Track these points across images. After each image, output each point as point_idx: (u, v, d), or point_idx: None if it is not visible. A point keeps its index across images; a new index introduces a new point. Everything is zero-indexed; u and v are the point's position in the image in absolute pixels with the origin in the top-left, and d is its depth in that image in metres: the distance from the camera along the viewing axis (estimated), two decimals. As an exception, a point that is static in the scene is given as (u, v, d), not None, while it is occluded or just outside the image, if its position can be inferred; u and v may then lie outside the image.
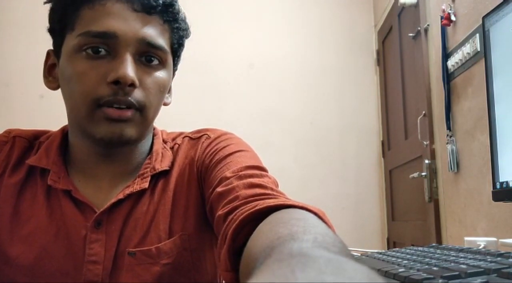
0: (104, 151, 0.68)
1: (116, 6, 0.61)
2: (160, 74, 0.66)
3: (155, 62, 0.65)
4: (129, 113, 0.62)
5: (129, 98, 0.61)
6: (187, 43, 0.74)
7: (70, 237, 0.65)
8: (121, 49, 0.61)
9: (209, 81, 2.84)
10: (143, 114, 0.64)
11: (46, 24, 0.68)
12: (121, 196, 0.66)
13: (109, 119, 0.61)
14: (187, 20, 0.72)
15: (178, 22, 0.68)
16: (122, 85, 0.60)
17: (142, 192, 0.69)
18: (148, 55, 0.64)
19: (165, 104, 0.74)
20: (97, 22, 0.61)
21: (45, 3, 0.66)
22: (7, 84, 2.70)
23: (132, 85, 0.61)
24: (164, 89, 0.67)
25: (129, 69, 0.60)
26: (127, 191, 0.67)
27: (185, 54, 0.74)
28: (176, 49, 0.70)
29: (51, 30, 0.67)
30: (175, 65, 0.72)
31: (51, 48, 0.69)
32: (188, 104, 2.76)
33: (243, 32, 2.94)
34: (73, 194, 0.66)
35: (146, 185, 0.68)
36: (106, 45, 0.61)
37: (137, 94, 0.62)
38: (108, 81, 0.60)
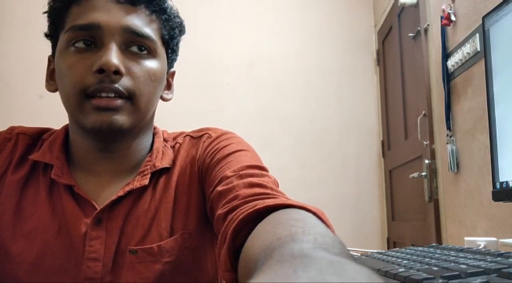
0: (101, 146, 0.68)
1: (101, 0, 0.63)
2: (150, 63, 0.66)
3: (144, 51, 0.66)
4: (118, 102, 0.62)
5: (116, 86, 0.62)
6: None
7: (71, 233, 0.66)
8: (106, 39, 0.62)
9: (209, 81, 2.85)
10: (134, 102, 0.64)
11: (46, 24, 0.69)
12: (121, 193, 0.67)
13: (98, 108, 0.62)
14: (180, 15, 0.73)
15: (166, 13, 0.69)
16: (107, 73, 0.61)
17: (143, 190, 0.69)
18: (136, 45, 0.65)
19: (165, 100, 0.75)
20: (83, 16, 0.63)
21: (44, 13, 0.68)
22: (7, 84, 2.70)
23: (118, 72, 0.61)
24: (155, 78, 0.67)
25: (113, 56, 0.61)
26: (127, 188, 0.67)
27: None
28: (168, 41, 0.70)
29: (47, 35, 0.70)
30: (170, 59, 0.73)
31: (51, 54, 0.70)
32: (188, 104, 2.76)
33: (243, 32, 2.94)
34: (76, 190, 0.67)
35: (146, 182, 0.68)
36: (92, 38, 0.63)
37: (124, 82, 0.63)
38: (93, 70, 0.61)
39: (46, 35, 0.70)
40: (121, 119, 0.63)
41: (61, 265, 0.65)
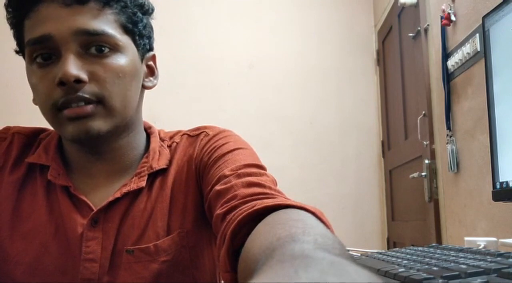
0: (90, 150, 0.68)
1: (49, 9, 0.61)
2: (114, 60, 0.63)
3: (106, 50, 0.63)
4: (88, 109, 0.61)
5: (81, 94, 0.60)
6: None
7: (67, 234, 0.65)
8: (62, 49, 0.61)
9: (209, 81, 2.84)
10: (106, 105, 0.63)
11: None
12: (118, 194, 0.67)
13: (70, 119, 0.61)
14: None
15: (121, 1, 0.65)
16: (68, 84, 0.59)
17: (139, 191, 0.69)
18: (96, 45, 0.62)
19: (148, 88, 0.73)
20: (35, 29, 0.61)
21: (11, 29, 0.67)
22: (7, 85, 2.70)
23: (79, 81, 0.60)
24: (124, 74, 0.64)
25: (70, 66, 0.59)
26: (124, 190, 0.67)
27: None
28: (131, 29, 0.66)
29: (17, 51, 0.69)
30: (141, 45, 0.69)
31: None
32: (188, 104, 2.76)
33: (243, 32, 2.94)
34: (72, 191, 0.67)
35: (143, 184, 0.68)
36: (49, 49, 0.61)
37: (90, 88, 0.61)
38: (55, 83, 0.60)
39: (17, 52, 0.69)
40: (96, 124, 0.62)
41: (59, 266, 0.65)
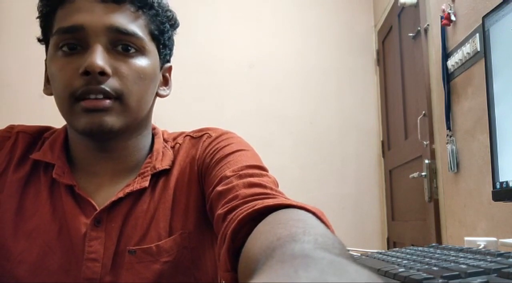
0: (98, 146, 0.68)
1: (84, 1, 0.63)
2: (138, 61, 0.65)
3: (132, 50, 0.65)
4: (106, 103, 0.62)
5: (102, 87, 0.61)
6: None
7: (71, 234, 0.66)
8: (91, 41, 0.62)
9: (209, 81, 2.85)
10: (123, 102, 0.64)
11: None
12: (121, 194, 0.67)
13: (87, 110, 0.62)
14: (171, 8, 0.72)
15: (154, 8, 0.68)
16: (93, 74, 0.60)
17: (142, 191, 0.69)
18: (124, 44, 0.64)
19: (161, 96, 0.74)
20: (67, 18, 0.63)
21: (36, 18, 0.68)
22: (8, 85, 2.70)
23: (104, 73, 0.61)
24: (145, 76, 0.66)
25: (97, 58, 0.60)
26: (127, 190, 0.67)
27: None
28: (158, 36, 0.69)
29: (40, 40, 0.70)
30: (163, 54, 0.72)
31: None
32: (188, 104, 2.77)
33: (243, 32, 2.94)
34: (76, 190, 0.67)
35: (146, 184, 0.69)
36: (78, 40, 0.62)
37: (111, 83, 0.62)
38: (79, 72, 0.61)
39: (39, 40, 0.70)
40: (111, 120, 0.63)
41: (62, 265, 0.65)
